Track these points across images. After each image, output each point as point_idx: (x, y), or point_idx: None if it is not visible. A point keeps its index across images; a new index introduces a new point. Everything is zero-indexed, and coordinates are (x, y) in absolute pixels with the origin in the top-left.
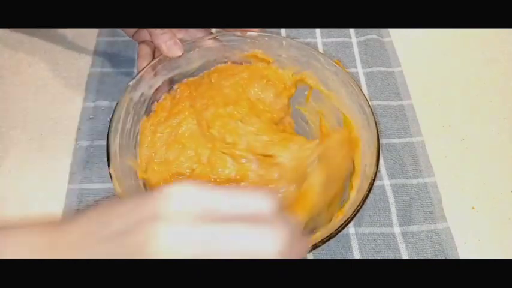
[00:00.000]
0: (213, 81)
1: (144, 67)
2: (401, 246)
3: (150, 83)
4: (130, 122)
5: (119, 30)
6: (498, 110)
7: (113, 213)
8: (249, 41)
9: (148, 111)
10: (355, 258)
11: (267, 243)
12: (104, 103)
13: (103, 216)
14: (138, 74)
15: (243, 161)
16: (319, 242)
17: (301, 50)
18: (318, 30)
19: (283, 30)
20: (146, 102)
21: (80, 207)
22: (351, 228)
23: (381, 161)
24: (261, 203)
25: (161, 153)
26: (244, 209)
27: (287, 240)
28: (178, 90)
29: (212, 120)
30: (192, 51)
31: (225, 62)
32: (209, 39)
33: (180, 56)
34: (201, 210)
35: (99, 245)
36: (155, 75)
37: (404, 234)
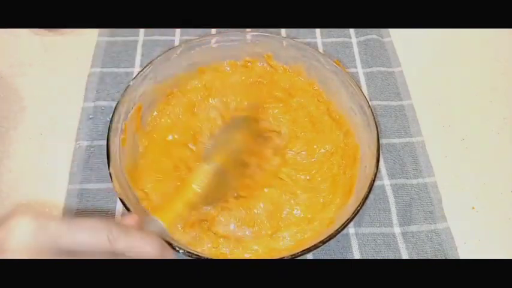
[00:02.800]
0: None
1: (144, 67)
2: (401, 246)
3: (150, 83)
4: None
5: (118, 30)
6: (498, 110)
7: None
8: (249, 41)
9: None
10: (355, 258)
11: None
12: (104, 103)
13: None
14: (138, 74)
15: None
16: (319, 242)
17: (301, 50)
18: (318, 30)
19: (283, 30)
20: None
21: (80, 207)
22: (351, 228)
23: (381, 161)
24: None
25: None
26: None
27: None
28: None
29: None
30: (192, 51)
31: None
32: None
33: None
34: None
35: None
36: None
37: (404, 234)
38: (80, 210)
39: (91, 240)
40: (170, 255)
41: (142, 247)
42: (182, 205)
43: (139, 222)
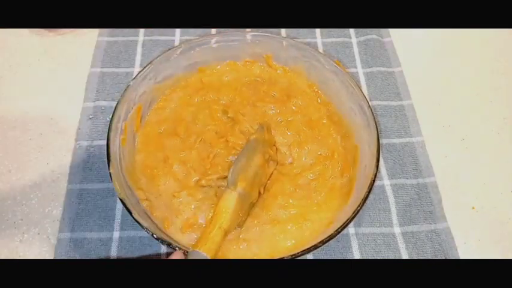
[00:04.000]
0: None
1: (144, 67)
2: (401, 246)
3: (150, 83)
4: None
5: (118, 30)
6: (498, 110)
7: None
8: (249, 41)
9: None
10: (355, 258)
11: None
12: (104, 103)
13: None
14: (138, 74)
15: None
16: (319, 242)
17: (301, 50)
18: (318, 30)
19: (283, 30)
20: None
21: (80, 207)
22: (351, 228)
23: (381, 161)
24: None
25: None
26: None
27: None
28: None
29: None
30: (192, 51)
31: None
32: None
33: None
34: None
35: None
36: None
37: (404, 234)
38: (80, 210)
39: None
40: None
41: None
42: (219, 233)
43: (184, 257)
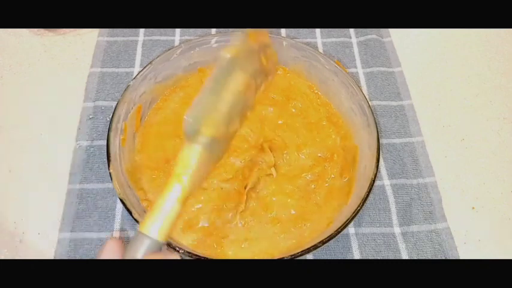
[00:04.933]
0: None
1: (144, 67)
2: (401, 246)
3: (150, 83)
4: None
5: (118, 30)
6: (498, 110)
7: None
8: None
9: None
10: (355, 258)
11: None
12: (104, 103)
13: None
14: (138, 74)
15: None
16: (319, 242)
17: (301, 50)
18: (318, 30)
19: (283, 30)
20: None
21: (80, 207)
22: (351, 228)
23: (381, 161)
24: None
25: None
26: None
27: None
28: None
29: None
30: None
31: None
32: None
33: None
34: None
35: None
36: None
37: (404, 234)
38: (79, 210)
39: None
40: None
41: None
42: (175, 207)
43: (122, 246)
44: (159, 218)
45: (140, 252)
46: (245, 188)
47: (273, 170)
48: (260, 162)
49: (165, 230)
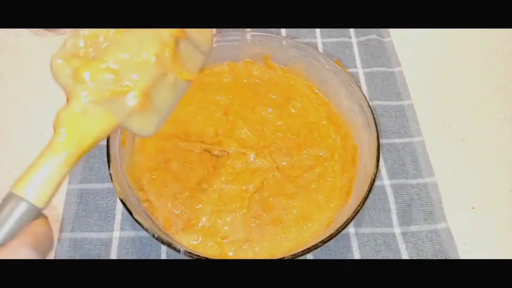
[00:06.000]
0: None
1: None
2: (401, 246)
3: None
4: None
5: None
6: (498, 110)
7: None
8: (249, 41)
9: None
10: (355, 258)
11: None
12: None
13: None
14: None
15: None
16: (319, 242)
17: (301, 50)
18: (318, 30)
19: (283, 30)
20: None
21: (80, 207)
22: (351, 228)
23: (381, 161)
24: None
25: None
26: None
27: None
28: None
29: None
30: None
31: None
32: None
33: None
34: None
35: None
36: None
37: (404, 234)
38: (79, 210)
39: None
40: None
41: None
42: (59, 165)
43: None
44: (39, 177)
45: (12, 218)
46: (246, 190)
47: (274, 171)
48: (260, 164)
49: (46, 193)
